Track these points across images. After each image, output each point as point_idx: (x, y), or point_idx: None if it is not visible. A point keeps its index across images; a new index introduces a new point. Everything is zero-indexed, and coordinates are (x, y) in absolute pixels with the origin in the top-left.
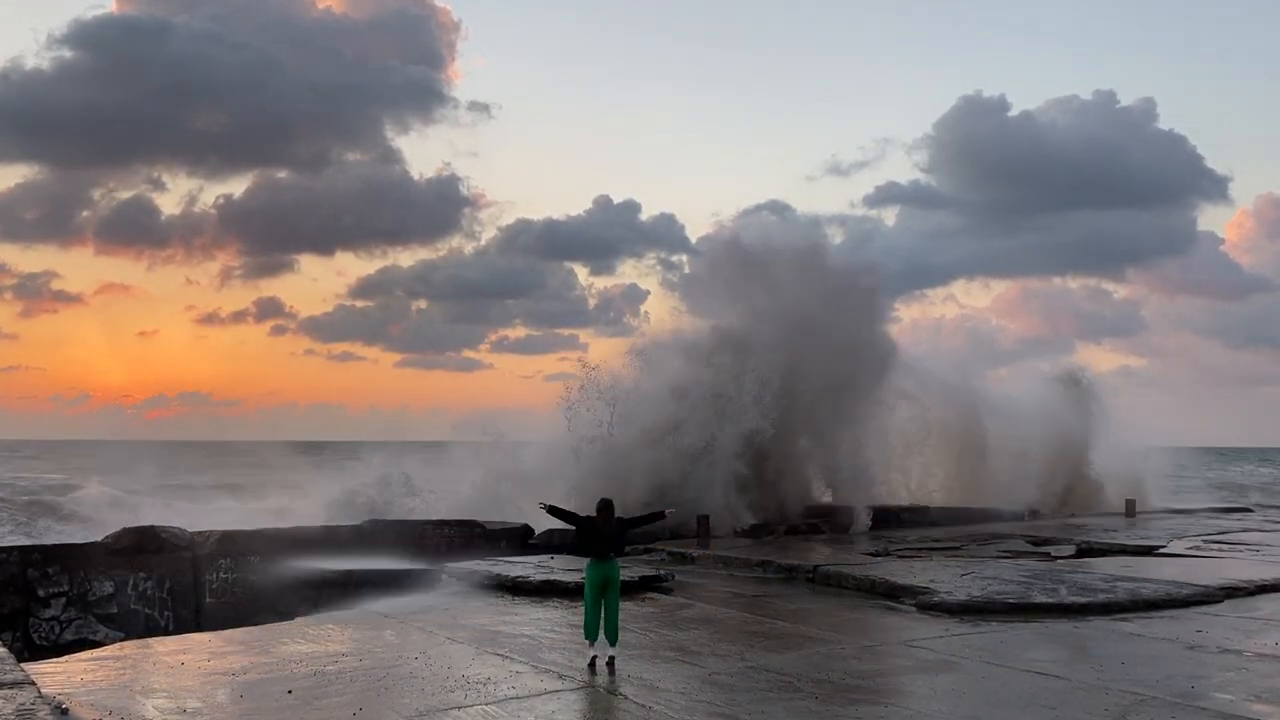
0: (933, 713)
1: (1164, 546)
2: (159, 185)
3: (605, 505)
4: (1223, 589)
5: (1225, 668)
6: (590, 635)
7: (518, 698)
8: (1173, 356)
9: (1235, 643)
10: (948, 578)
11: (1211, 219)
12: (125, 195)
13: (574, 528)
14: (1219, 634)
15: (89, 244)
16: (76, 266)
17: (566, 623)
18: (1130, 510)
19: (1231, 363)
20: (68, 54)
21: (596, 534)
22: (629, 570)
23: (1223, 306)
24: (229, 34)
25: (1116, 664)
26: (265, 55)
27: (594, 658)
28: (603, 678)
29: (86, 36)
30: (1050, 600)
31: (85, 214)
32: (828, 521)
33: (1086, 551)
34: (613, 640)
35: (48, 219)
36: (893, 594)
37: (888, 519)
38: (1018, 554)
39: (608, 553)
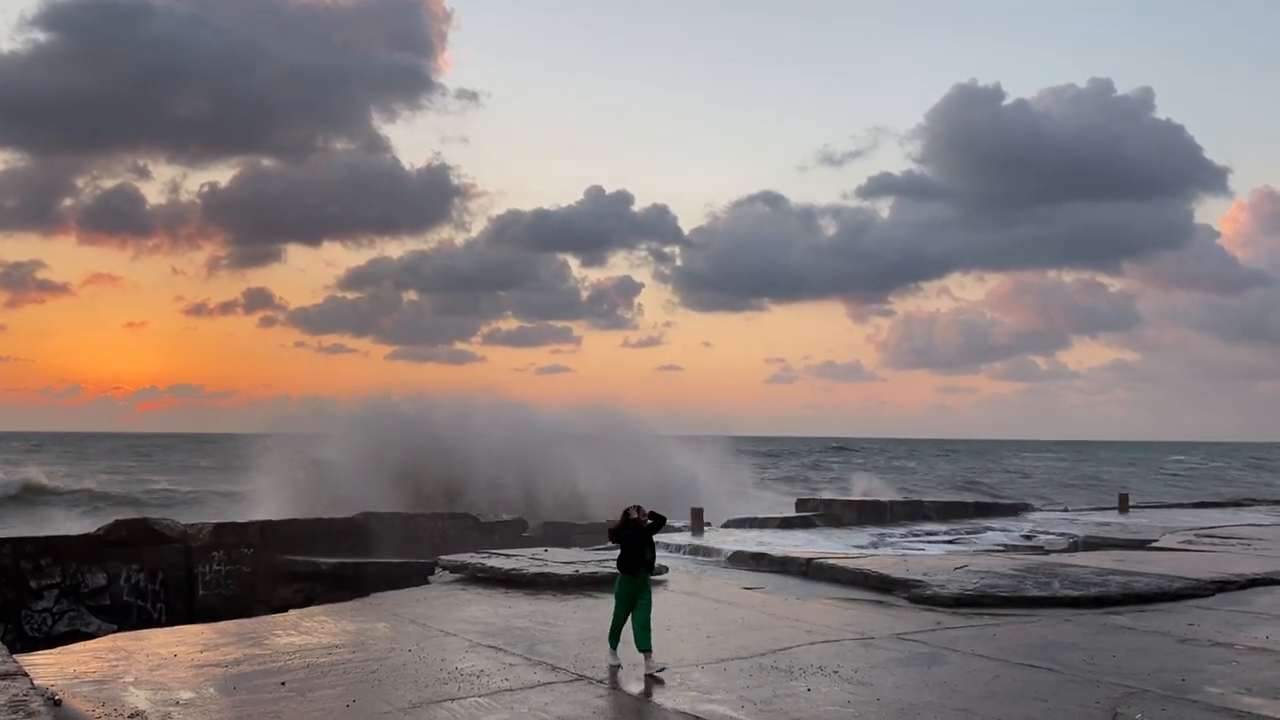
0: (925, 704)
1: (1156, 540)
2: (142, 173)
3: (629, 512)
4: (1214, 583)
5: (1216, 660)
6: (613, 641)
7: (511, 690)
8: (1168, 351)
9: (1226, 636)
10: (941, 571)
11: (1211, 211)
12: (108, 183)
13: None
14: (1210, 627)
15: (72, 233)
16: (61, 256)
17: (561, 615)
18: (1123, 504)
19: (1227, 358)
20: (41, 37)
21: (620, 541)
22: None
23: (1219, 300)
24: (211, 17)
25: (1108, 657)
26: (248, 39)
27: (615, 666)
28: (598, 671)
29: (60, 18)
30: (1043, 594)
31: (68, 202)
32: (822, 515)
33: (1079, 545)
34: (643, 646)
35: (29, 207)
36: (886, 587)
37: (881, 512)
38: (1011, 547)
39: (635, 566)
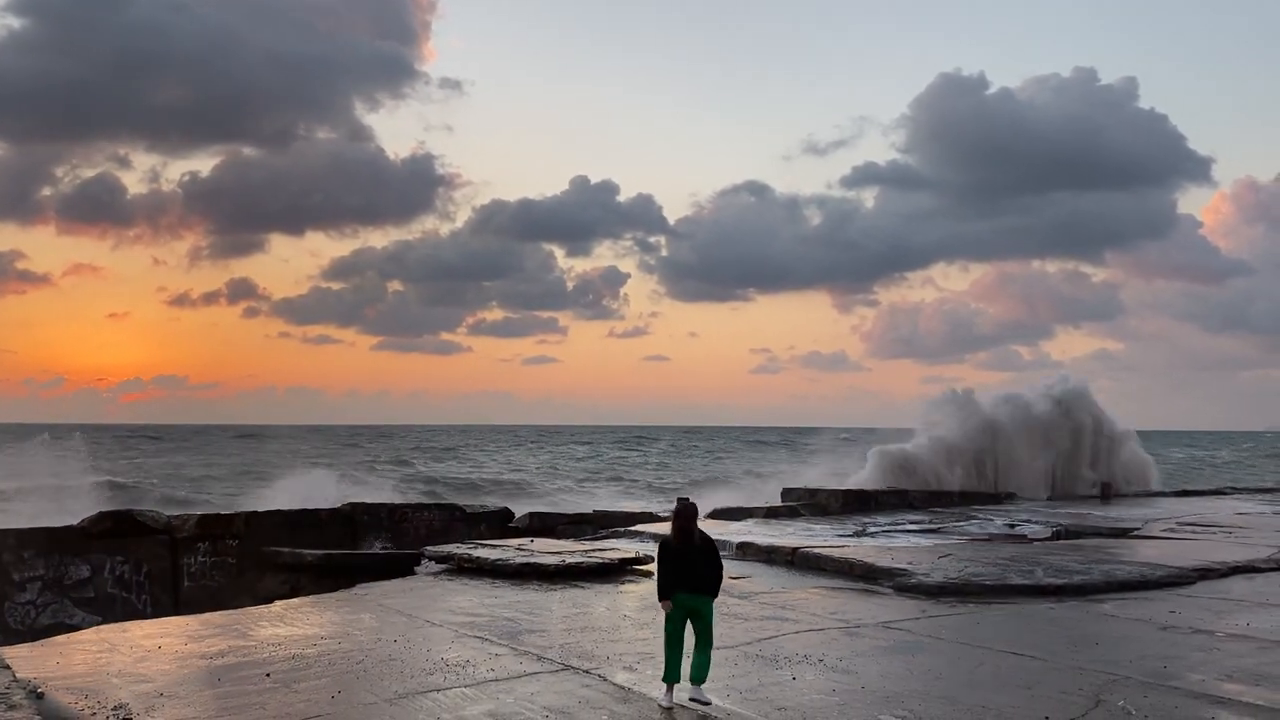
0: (910, 692)
1: (1139, 529)
2: (122, 162)
3: (681, 513)
4: (1196, 570)
5: (1197, 648)
6: (670, 676)
7: (497, 680)
8: (1150, 341)
9: (1207, 623)
10: (925, 560)
11: (1195, 201)
12: (87, 172)
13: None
14: (1192, 615)
15: (51, 222)
16: (40, 246)
17: (547, 606)
18: (1106, 494)
19: (1208, 347)
20: (15, 23)
21: (674, 554)
22: (605, 552)
23: (1201, 291)
24: (191, 3)
25: (1091, 644)
26: (229, 26)
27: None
28: (584, 662)
29: (35, 3)
30: (1026, 582)
31: (46, 192)
32: (807, 505)
33: (1062, 534)
34: (697, 677)
35: (7, 196)
36: (871, 576)
37: (865, 502)
38: (994, 537)
39: (691, 581)
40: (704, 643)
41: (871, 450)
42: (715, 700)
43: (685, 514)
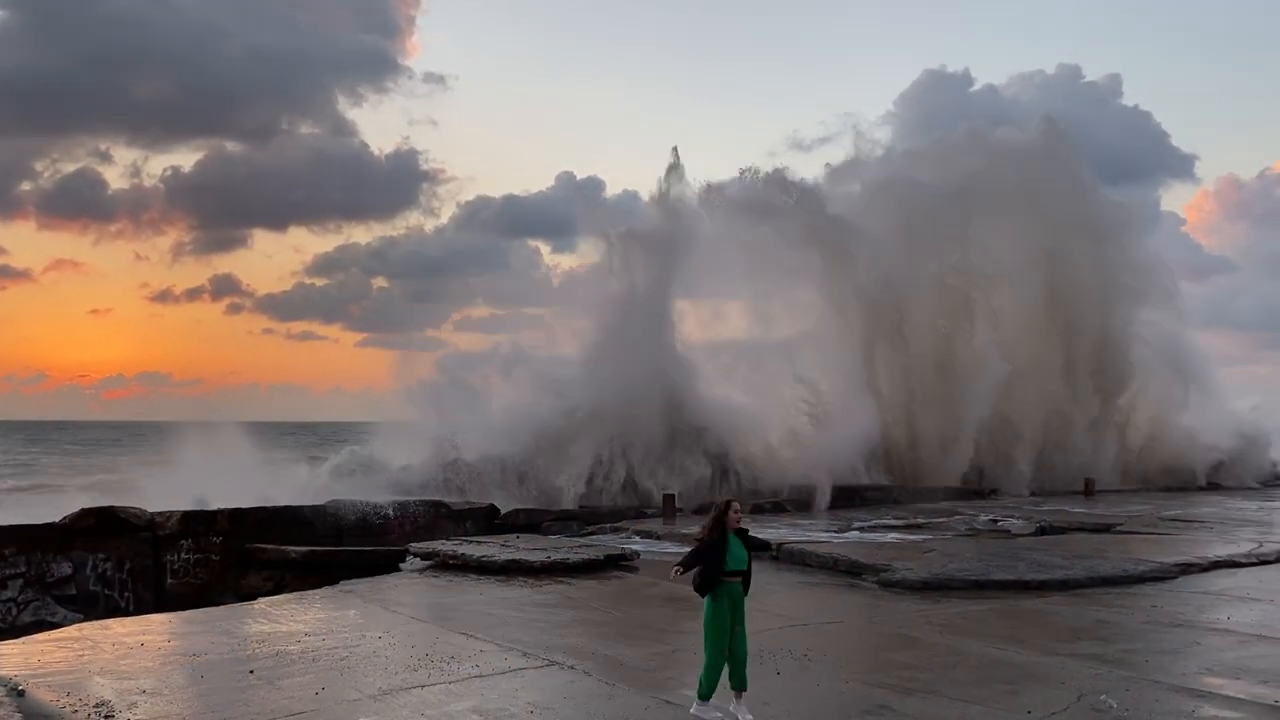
0: (893, 687)
1: (1121, 524)
2: (103, 157)
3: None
4: (1177, 565)
5: (1179, 642)
6: (705, 693)
7: (481, 676)
8: None
9: (1189, 617)
10: (909, 555)
11: (1178, 197)
12: (68, 167)
13: (699, 564)
14: (1173, 609)
15: (31, 217)
16: (20, 241)
17: (531, 602)
18: (1089, 489)
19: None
20: None
21: (717, 548)
22: (591, 548)
23: (1184, 288)
24: None
25: (1073, 639)
26: (209, 19)
27: None
28: (568, 658)
29: None
30: (1009, 577)
31: (26, 186)
32: (792, 500)
33: (1046, 530)
34: (739, 684)
35: None
36: (855, 571)
37: (851, 498)
38: (978, 532)
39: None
40: (738, 643)
41: None
42: (693, 694)
43: (712, 510)
